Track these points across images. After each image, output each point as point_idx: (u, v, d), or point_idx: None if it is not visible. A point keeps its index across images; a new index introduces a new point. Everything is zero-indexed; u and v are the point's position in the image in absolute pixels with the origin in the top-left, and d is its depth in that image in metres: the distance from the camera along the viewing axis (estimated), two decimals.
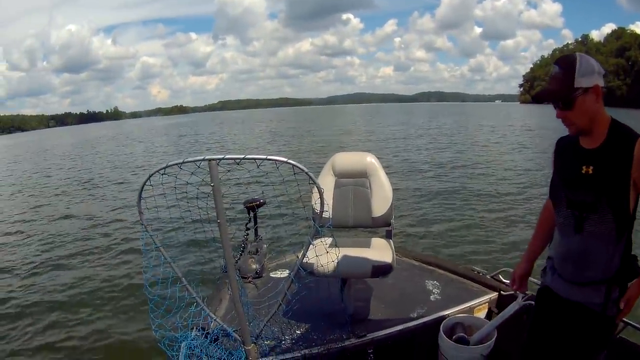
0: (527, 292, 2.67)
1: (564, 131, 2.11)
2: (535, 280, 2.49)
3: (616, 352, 2.57)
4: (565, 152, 2.13)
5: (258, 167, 2.20)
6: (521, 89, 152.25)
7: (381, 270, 3.18)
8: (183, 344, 2.83)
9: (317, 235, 2.50)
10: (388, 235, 3.72)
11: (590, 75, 1.88)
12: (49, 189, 18.13)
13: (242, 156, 2.18)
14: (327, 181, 3.60)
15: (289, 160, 2.20)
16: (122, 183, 18.25)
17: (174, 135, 51.76)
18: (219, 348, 2.91)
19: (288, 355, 2.97)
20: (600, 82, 1.90)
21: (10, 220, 13.02)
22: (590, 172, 1.96)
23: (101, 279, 7.82)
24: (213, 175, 2.24)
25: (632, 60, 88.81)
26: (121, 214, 12.51)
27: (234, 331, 2.86)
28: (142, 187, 2.36)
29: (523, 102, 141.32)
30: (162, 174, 2.27)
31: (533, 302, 2.53)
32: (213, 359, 2.83)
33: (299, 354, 2.98)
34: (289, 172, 2.22)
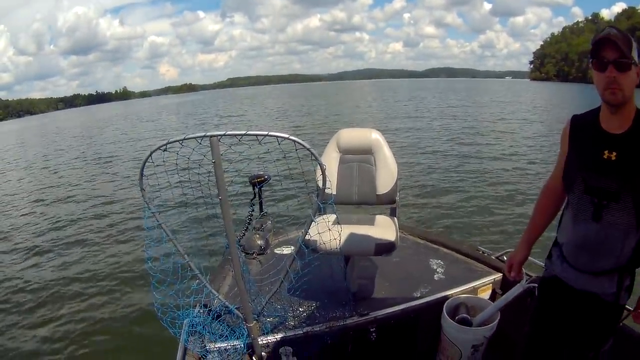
0: (531, 275, 2.63)
1: (571, 108, 2.04)
2: (537, 261, 2.44)
3: (619, 341, 2.55)
4: (584, 133, 2.01)
5: (259, 143, 2.17)
6: (531, 66, 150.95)
7: (385, 248, 3.14)
8: (185, 321, 2.85)
9: (320, 212, 2.48)
10: (392, 213, 3.68)
11: (638, 55, 1.78)
12: (58, 171, 18.25)
13: (244, 132, 2.16)
14: (331, 157, 3.57)
15: (290, 137, 2.17)
16: (127, 161, 18.37)
17: (183, 113, 51.77)
18: (221, 325, 2.93)
19: (290, 333, 2.97)
20: None
21: (21, 201, 13.22)
22: (614, 158, 1.86)
23: (105, 256, 7.97)
24: (214, 152, 2.22)
25: None
26: (125, 192, 12.63)
27: (236, 308, 2.86)
28: (144, 164, 2.34)
29: (533, 79, 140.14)
30: (163, 151, 2.25)
31: (537, 285, 2.48)
32: (215, 336, 2.85)
33: (301, 332, 2.98)
34: (293, 148, 2.20)
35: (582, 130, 2.02)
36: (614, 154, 1.85)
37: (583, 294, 2.05)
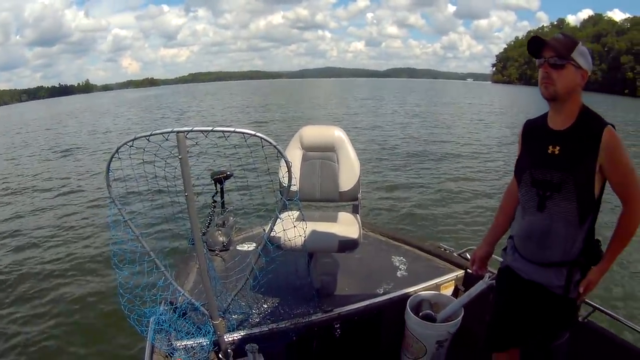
0: (493, 271, 2.69)
1: (530, 111, 2.14)
2: (500, 258, 2.52)
3: (583, 336, 2.63)
4: (533, 133, 2.18)
5: (226, 139, 2.18)
6: (494, 69, 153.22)
7: (348, 245, 3.19)
8: (152, 319, 2.82)
9: (285, 208, 2.50)
10: (355, 210, 3.72)
11: (586, 61, 1.99)
12: (21, 163, 17.71)
13: (210, 128, 2.16)
14: (294, 154, 3.57)
15: (257, 133, 2.19)
16: (93, 156, 17.92)
17: (147, 107, 50.85)
18: (187, 322, 2.91)
19: (255, 330, 2.98)
20: (589, 73, 2.01)
21: None
22: (557, 152, 2.01)
23: (68, 252, 7.76)
24: (181, 148, 2.21)
25: (608, 46, 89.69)
26: (90, 187, 12.35)
27: (201, 305, 2.86)
28: (110, 160, 2.32)
29: (495, 81, 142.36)
30: (130, 147, 2.24)
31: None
32: (182, 334, 2.83)
33: (266, 329, 2.99)
34: (258, 145, 2.21)
35: (532, 130, 2.20)
36: (557, 148, 2.01)
37: (531, 284, 2.17)
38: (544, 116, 2.15)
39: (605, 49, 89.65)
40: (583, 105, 2.02)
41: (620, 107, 41.55)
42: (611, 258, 2.06)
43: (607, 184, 2.00)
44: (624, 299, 5.79)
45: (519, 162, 2.22)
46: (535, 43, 2.02)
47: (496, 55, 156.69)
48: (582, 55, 1.96)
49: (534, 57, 2.04)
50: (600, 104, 40.61)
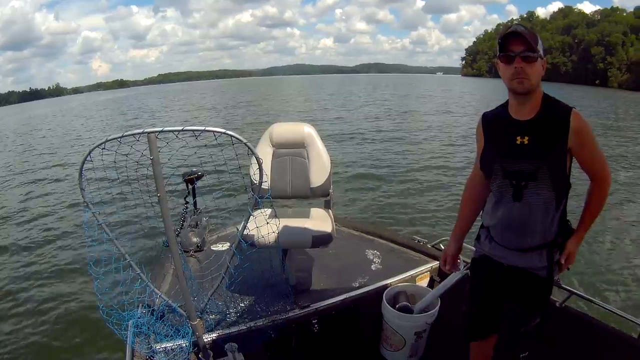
0: (467, 260, 2.73)
1: (500, 99, 2.18)
2: (471, 247, 2.56)
3: (561, 320, 2.68)
4: (496, 125, 2.19)
5: (197, 138, 2.18)
6: (463, 62, 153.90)
7: (321, 240, 3.22)
8: (130, 322, 2.81)
9: (257, 206, 2.50)
10: (327, 205, 3.74)
11: (543, 50, 1.99)
12: None
13: (181, 128, 2.16)
14: (265, 152, 3.57)
15: (227, 132, 2.19)
16: (63, 160, 17.61)
17: (117, 110, 50.12)
18: (165, 325, 2.90)
19: (234, 329, 2.99)
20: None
21: None
22: (526, 142, 2.03)
23: (43, 257, 7.65)
24: (152, 148, 2.21)
25: (579, 38, 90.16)
26: (63, 191, 12.15)
27: (179, 306, 2.85)
28: (83, 163, 2.29)
29: (465, 74, 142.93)
30: (102, 149, 2.22)
31: None
32: (161, 336, 2.82)
33: (245, 327, 3.00)
34: (229, 143, 2.22)
35: (494, 123, 2.21)
36: (527, 138, 2.03)
37: (512, 269, 2.20)
38: (504, 106, 2.17)
39: (576, 41, 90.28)
40: (544, 93, 2.06)
41: (591, 97, 42.31)
42: (585, 229, 2.15)
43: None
44: (599, 282, 5.94)
45: (485, 155, 2.23)
46: (510, 37, 1.98)
47: (465, 49, 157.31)
48: (541, 46, 1.98)
49: (501, 51, 2.02)
50: (571, 94, 41.41)
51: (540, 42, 1.97)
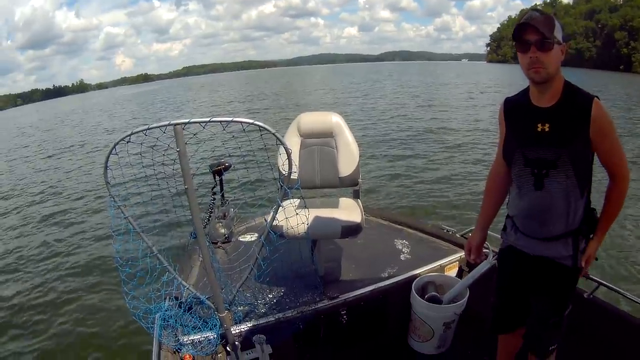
0: (496, 251, 2.68)
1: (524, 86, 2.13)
2: (498, 235, 2.51)
3: (589, 311, 2.63)
4: (517, 112, 2.15)
5: (224, 129, 2.14)
6: (488, 48, 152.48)
7: (350, 230, 3.19)
8: (157, 315, 2.81)
9: (286, 197, 2.47)
10: (356, 195, 3.72)
11: (562, 34, 1.94)
12: (15, 172, 17.47)
13: (208, 119, 2.12)
14: (292, 142, 3.55)
15: (255, 122, 2.14)
16: (90, 155, 17.88)
17: (143, 103, 50.69)
18: (193, 317, 2.90)
19: (262, 321, 2.98)
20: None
21: None
22: (547, 129, 2.00)
23: (72, 252, 7.78)
24: (179, 140, 2.17)
25: (602, 23, 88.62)
26: (89, 187, 12.30)
27: (207, 299, 2.84)
28: (108, 157, 2.27)
29: (490, 61, 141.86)
30: (127, 142, 2.20)
31: None
32: (188, 328, 2.82)
33: (273, 319, 2.99)
34: (256, 134, 2.17)
35: (516, 109, 2.17)
36: (547, 125, 2.00)
37: (538, 259, 2.17)
38: (525, 92, 2.13)
39: (599, 26, 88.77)
40: (565, 80, 2.01)
41: (617, 83, 41.42)
42: (604, 229, 2.12)
43: None
44: (627, 273, 5.81)
45: (506, 143, 2.21)
46: (522, 28, 1.95)
47: (490, 35, 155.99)
48: (559, 31, 1.92)
49: (515, 40, 1.99)
50: (596, 80, 40.58)
51: (558, 27, 1.92)
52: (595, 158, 2.02)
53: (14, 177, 15.66)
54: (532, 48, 1.92)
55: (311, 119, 3.64)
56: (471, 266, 3.38)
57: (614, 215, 2.10)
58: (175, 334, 2.77)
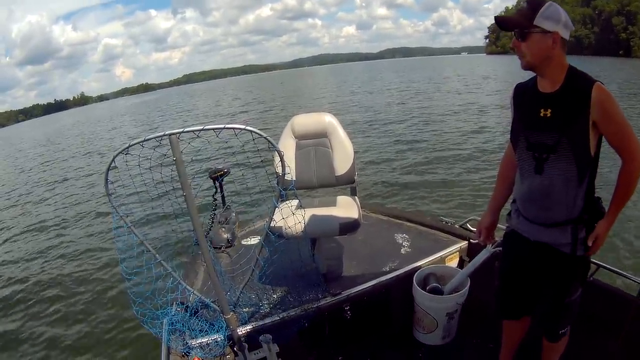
0: (496, 239, 2.72)
1: (525, 76, 2.18)
2: (503, 227, 2.55)
3: (589, 293, 2.67)
4: (524, 97, 2.18)
5: (217, 136, 2.20)
6: (487, 41, 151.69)
7: (349, 227, 3.23)
8: (165, 320, 2.85)
9: (282, 198, 2.52)
10: (353, 193, 3.76)
11: (554, 22, 1.94)
12: (23, 183, 17.71)
13: (201, 127, 2.17)
14: (288, 144, 3.59)
15: (247, 127, 2.19)
16: (91, 167, 17.95)
17: (144, 113, 50.73)
18: (200, 320, 2.94)
19: (267, 320, 3.02)
20: (563, 34, 1.97)
21: None
22: (549, 114, 2.02)
23: (77, 262, 7.84)
24: (174, 150, 2.23)
25: (599, 9, 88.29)
26: (92, 198, 12.39)
27: (212, 302, 2.89)
28: (107, 170, 2.32)
29: (489, 53, 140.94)
30: (125, 154, 2.26)
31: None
32: (196, 332, 2.86)
33: (278, 318, 3.04)
34: (250, 138, 2.22)
35: (523, 95, 2.20)
36: (549, 110, 2.03)
37: (539, 245, 2.20)
38: (534, 79, 2.16)
39: (596, 12, 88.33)
40: (569, 67, 2.03)
41: (616, 68, 41.14)
42: (616, 211, 2.10)
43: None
44: (630, 254, 5.83)
45: (513, 127, 2.24)
46: (498, 22, 2.07)
47: (488, 27, 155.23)
48: (547, 19, 1.93)
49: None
50: (595, 66, 40.32)
51: (545, 15, 1.93)
52: (605, 143, 2.03)
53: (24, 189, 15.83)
54: (513, 38, 2.02)
55: (304, 121, 3.68)
56: (472, 256, 3.43)
57: (626, 197, 2.08)
58: (183, 338, 2.82)
